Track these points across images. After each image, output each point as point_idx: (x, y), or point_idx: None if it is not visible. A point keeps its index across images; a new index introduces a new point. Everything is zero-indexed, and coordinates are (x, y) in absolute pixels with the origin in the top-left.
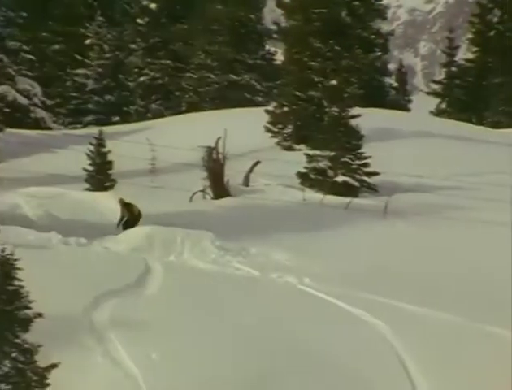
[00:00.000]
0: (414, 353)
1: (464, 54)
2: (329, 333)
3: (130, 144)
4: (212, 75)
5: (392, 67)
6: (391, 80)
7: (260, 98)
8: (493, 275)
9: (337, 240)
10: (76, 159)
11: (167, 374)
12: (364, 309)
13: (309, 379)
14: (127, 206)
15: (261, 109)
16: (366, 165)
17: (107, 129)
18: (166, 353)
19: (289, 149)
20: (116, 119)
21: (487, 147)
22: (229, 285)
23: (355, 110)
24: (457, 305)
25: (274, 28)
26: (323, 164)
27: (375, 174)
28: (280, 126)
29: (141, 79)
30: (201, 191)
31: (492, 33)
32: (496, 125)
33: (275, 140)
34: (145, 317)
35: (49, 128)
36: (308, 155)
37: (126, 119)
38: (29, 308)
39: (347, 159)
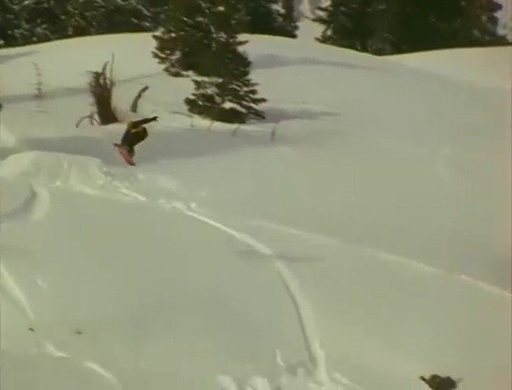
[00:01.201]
0: (301, 277)
1: None
2: (217, 260)
3: (15, 68)
4: (98, 0)
5: None
6: (278, 7)
7: (147, 24)
8: (376, 198)
9: (224, 166)
10: None
11: (54, 302)
12: (251, 234)
13: (195, 309)
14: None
15: (148, 34)
16: (253, 92)
17: None
18: (52, 279)
19: (177, 75)
20: (0, 42)
21: (370, 74)
22: (116, 211)
23: (242, 37)
24: (346, 231)
25: None
26: (210, 91)
27: (262, 100)
28: (168, 52)
29: (26, 2)
30: (88, 117)
31: None
32: (379, 52)
33: (163, 66)
34: (31, 243)
35: None
36: (196, 81)
37: (10, 42)
38: None
39: (234, 86)
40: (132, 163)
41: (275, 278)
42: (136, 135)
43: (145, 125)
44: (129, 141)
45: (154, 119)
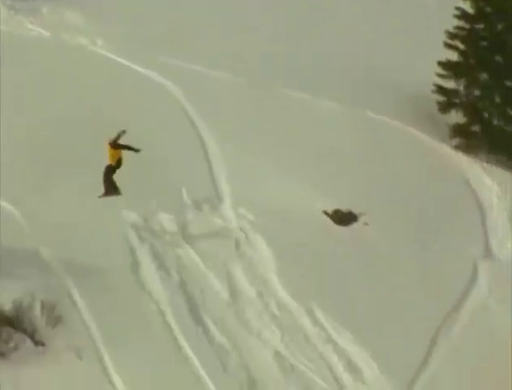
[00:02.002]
0: (204, 114)
1: None
2: (121, 94)
3: None
4: None
5: None
6: None
7: None
8: (280, 35)
9: (134, 2)
10: None
11: None
12: (158, 71)
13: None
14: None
15: None
16: None
17: None
18: None
19: None
20: None
21: None
22: (20, 46)
23: None
24: (253, 70)
25: None
26: None
27: None
28: None
29: None
30: None
31: None
32: None
33: None
34: None
35: None
36: None
37: None
38: None
39: None
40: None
41: (181, 115)
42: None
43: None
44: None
45: (137, 150)
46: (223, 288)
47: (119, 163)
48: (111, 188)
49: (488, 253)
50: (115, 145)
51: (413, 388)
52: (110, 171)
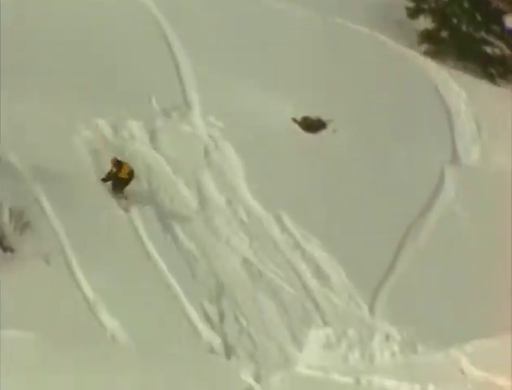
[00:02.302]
0: (175, 24)
1: None
2: (96, 4)
3: None
4: None
5: None
6: None
7: None
8: None
9: None
10: None
11: None
12: None
13: (62, 58)
14: (118, 165)
15: None
16: None
17: None
18: None
19: None
20: None
21: None
22: None
23: None
24: None
25: None
26: None
27: None
28: None
29: None
30: None
31: None
32: None
33: None
34: None
35: None
36: None
37: None
38: None
39: None
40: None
41: (153, 26)
42: (123, 180)
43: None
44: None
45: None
46: (192, 196)
47: (130, 175)
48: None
49: (454, 158)
50: (117, 163)
51: (379, 293)
52: (120, 183)
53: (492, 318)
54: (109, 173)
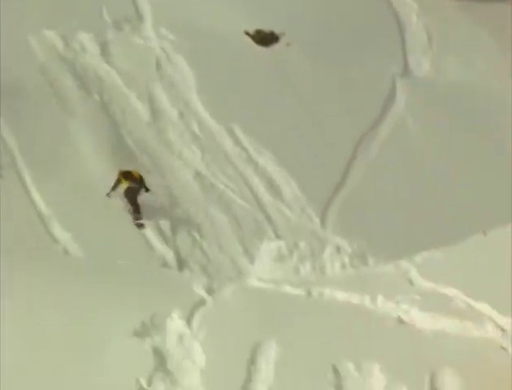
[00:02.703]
0: None
1: None
2: None
3: None
4: None
5: None
6: None
7: None
8: None
9: None
10: None
11: None
12: None
13: None
14: (126, 175)
15: None
16: None
17: None
18: None
19: None
20: None
21: None
22: None
23: None
24: None
25: None
26: None
27: None
28: None
29: None
30: None
31: None
32: None
33: None
34: None
35: None
36: None
37: None
38: None
39: None
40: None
41: None
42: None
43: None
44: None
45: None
46: (145, 109)
47: (141, 181)
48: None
49: (406, 70)
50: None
51: (331, 206)
52: (133, 192)
53: (441, 229)
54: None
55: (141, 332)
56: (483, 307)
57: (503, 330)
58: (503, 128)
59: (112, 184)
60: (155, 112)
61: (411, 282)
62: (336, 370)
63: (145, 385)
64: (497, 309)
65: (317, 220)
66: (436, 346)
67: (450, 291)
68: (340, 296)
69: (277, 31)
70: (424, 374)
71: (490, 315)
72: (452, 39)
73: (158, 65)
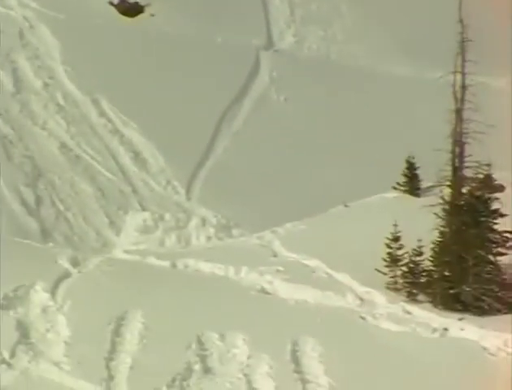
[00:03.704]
0: None
1: None
2: None
3: None
4: None
5: None
6: None
7: None
8: None
9: None
10: None
11: None
12: None
13: None
14: None
15: None
16: None
17: None
18: None
19: None
20: None
21: None
22: None
23: None
24: None
25: None
26: None
27: None
28: None
29: None
30: None
31: None
32: None
33: None
34: None
35: None
36: None
37: None
38: None
39: None
40: None
41: None
42: None
43: None
44: None
45: None
46: (7, 79)
47: None
48: None
49: (269, 43)
50: None
51: (196, 178)
52: None
53: (304, 201)
54: None
55: (4, 305)
56: (343, 278)
57: (362, 300)
58: (367, 100)
59: None
60: (18, 82)
61: (275, 253)
62: (200, 341)
63: (7, 357)
64: (357, 280)
65: (182, 192)
66: (298, 316)
67: (312, 262)
68: (205, 267)
69: (142, 2)
70: (286, 343)
71: (350, 286)
72: (314, 12)
73: (21, 34)
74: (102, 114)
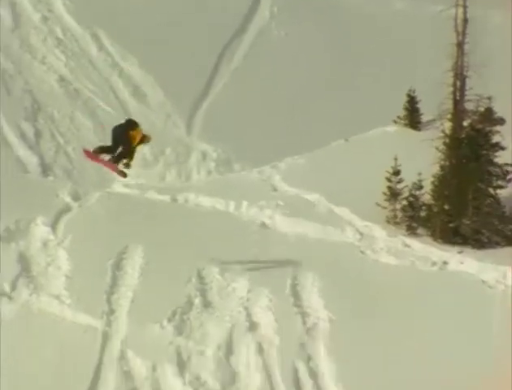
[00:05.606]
0: None
1: None
2: None
3: None
4: None
5: None
6: None
7: None
8: None
9: None
10: None
11: None
12: None
13: None
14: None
15: None
16: None
17: None
18: None
19: None
20: None
21: None
22: None
23: None
24: None
25: None
26: None
27: None
28: None
29: None
30: None
31: None
32: None
33: None
34: None
35: None
36: None
37: None
38: None
39: None
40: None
41: None
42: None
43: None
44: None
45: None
46: (6, 14)
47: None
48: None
49: None
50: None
51: (196, 113)
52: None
53: (304, 136)
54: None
55: (6, 237)
56: (343, 212)
57: (362, 234)
58: (368, 34)
59: None
60: (17, 16)
61: (275, 188)
62: (200, 275)
63: (8, 290)
64: (357, 215)
65: (183, 126)
66: (298, 250)
67: (312, 196)
68: (206, 201)
69: None
70: (286, 278)
71: (350, 220)
72: None
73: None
74: (102, 48)
